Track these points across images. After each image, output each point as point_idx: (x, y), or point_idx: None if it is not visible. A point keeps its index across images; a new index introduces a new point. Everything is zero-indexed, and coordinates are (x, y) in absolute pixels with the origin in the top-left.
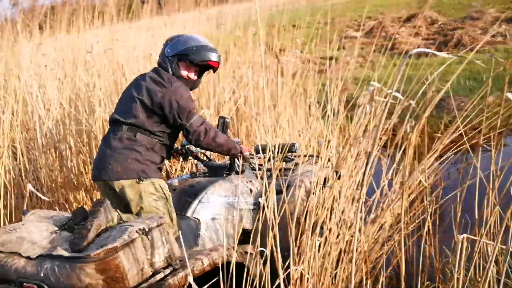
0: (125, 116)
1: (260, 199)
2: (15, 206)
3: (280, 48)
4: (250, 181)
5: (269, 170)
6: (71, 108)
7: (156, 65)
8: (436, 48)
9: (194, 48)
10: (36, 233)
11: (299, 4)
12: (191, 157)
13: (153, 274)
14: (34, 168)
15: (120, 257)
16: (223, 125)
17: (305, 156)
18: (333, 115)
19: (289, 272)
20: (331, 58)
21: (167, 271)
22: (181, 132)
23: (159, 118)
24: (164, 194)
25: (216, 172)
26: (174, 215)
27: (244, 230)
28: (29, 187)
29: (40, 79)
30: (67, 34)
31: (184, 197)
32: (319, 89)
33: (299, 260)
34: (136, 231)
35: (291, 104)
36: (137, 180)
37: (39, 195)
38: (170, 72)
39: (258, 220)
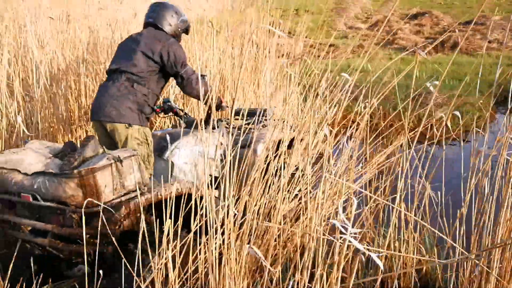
0: (126, 66)
1: (228, 151)
2: (5, 140)
3: (289, 31)
4: (222, 136)
5: (240, 129)
6: (69, 58)
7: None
8: (433, 48)
9: (189, 24)
10: (34, 157)
11: None
12: (171, 113)
13: (124, 194)
14: (29, 109)
15: (97, 176)
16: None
17: (275, 120)
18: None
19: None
20: (331, 45)
21: (136, 193)
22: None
23: (157, 66)
24: (147, 140)
25: (193, 126)
26: (152, 159)
27: (212, 177)
28: (19, 119)
29: (37, 27)
30: None
31: (163, 142)
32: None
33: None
34: (112, 158)
35: (272, 79)
36: (127, 125)
37: (24, 129)
38: (177, 38)
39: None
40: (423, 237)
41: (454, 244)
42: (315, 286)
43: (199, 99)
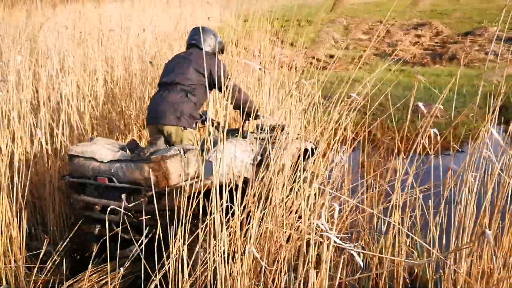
0: (180, 79)
1: (258, 157)
2: (27, 151)
3: (292, 42)
4: (252, 143)
5: (263, 139)
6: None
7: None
8: (431, 60)
9: (224, 45)
10: (104, 149)
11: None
12: (207, 123)
13: (186, 180)
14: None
15: (167, 163)
16: None
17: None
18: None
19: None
20: (331, 57)
21: (196, 180)
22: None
23: (205, 80)
24: (196, 141)
25: (228, 135)
26: (199, 158)
27: (245, 178)
28: (38, 133)
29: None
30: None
31: (204, 146)
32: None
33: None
34: (178, 150)
35: (276, 91)
36: (182, 128)
37: (42, 141)
38: (216, 54)
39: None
40: (415, 242)
41: (429, 247)
42: (308, 282)
43: (239, 108)
